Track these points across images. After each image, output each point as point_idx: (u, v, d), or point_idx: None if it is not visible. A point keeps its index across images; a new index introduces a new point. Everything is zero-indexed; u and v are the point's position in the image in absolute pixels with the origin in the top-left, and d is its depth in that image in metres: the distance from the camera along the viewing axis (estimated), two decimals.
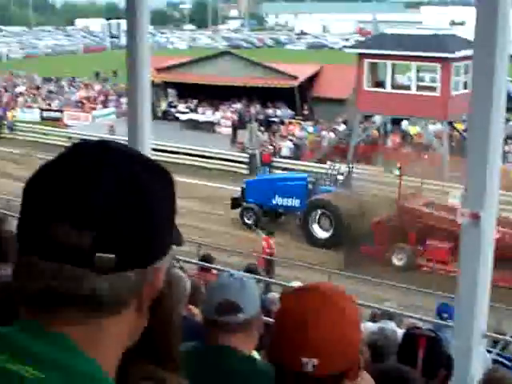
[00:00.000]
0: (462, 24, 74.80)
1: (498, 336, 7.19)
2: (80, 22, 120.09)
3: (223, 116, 38.92)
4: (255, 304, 2.49)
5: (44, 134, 38.66)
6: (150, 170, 1.01)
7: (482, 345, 4.36)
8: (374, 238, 21.93)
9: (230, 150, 33.83)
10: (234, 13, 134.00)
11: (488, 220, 3.89)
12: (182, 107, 41.07)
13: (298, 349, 1.49)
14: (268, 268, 18.81)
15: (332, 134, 33.55)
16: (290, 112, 38.28)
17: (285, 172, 29.27)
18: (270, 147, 32.97)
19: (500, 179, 3.97)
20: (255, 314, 2.47)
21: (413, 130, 33.28)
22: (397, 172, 24.07)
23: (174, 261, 5.81)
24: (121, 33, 75.94)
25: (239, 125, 35.82)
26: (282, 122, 37.05)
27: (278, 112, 38.50)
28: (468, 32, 14.51)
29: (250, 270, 10.11)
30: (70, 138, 35.30)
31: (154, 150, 8.19)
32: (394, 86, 30.72)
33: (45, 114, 43.16)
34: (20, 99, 45.63)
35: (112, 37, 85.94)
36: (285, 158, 32.13)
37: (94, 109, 43.66)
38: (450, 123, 30.32)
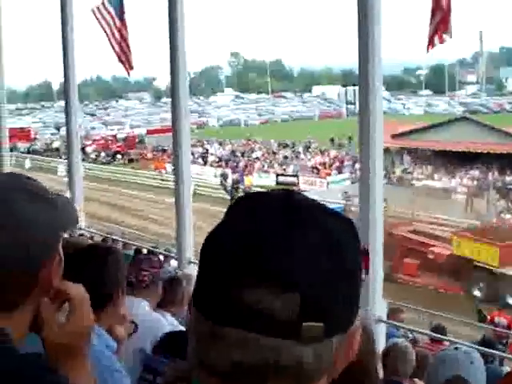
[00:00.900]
0: None
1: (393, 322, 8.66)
2: (317, 89, 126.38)
3: (460, 183, 40.25)
4: (483, 380, 2.53)
5: None
6: (340, 224, 0.97)
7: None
8: None
9: (465, 217, 34.55)
10: (471, 78, 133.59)
11: None
12: (417, 173, 42.97)
13: None
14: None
15: None
16: None
17: None
18: (508, 216, 33.55)
19: None
20: None
21: None
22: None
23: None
24: (357, 99, 79.19)
25: (476, 192, 36.91)
26: None
27: None
28: None
29: (486, 342, 10.62)
30: None
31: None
32: None
33: (280, 178, 46.92)
34: (256, 164, 50.16)
35: (348, 103, 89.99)
36: None
37: (329, 174, 46.58)
38: None
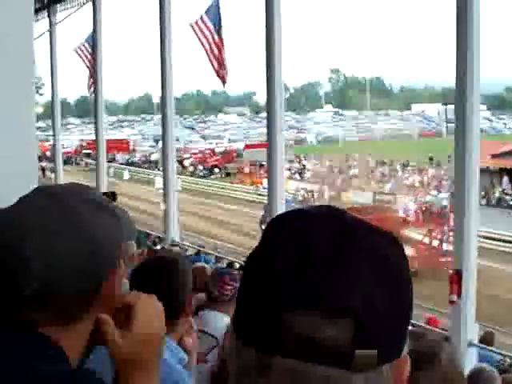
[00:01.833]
0: None
1: None
2: (416, 107, 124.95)
3: None
4: None
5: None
6: (391, 244, 0.94)
7: None
8: None
9: None
10: None
11: None
12: None
13: None
14: None
15: None
16: None
17: None
18: None
19: None
20: None
21: None
22: None
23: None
24: None
25: None
26: None
27: None
28: None
29: None
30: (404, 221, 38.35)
31: (480, 236, 8.69)
32: None
33: (377, 196, 46.64)
34: (354, 181, 50.00)
35: (448, 121, 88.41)
36: None
37: (428, 193, 45.95)
38: None
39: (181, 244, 15.83)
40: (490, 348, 9.32)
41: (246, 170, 58.94)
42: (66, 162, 54.92)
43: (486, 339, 10.36)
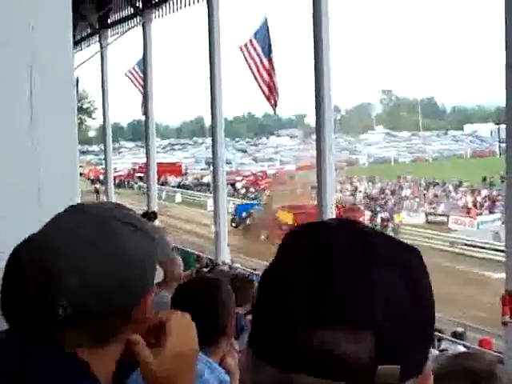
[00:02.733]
0: None
1: None
2: (468, 127, 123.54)
3: None
4: None
5: (428, 237, 41.45)
6: (412, 257, 0.91)
7: None
8: None
9: None
10: None
11: None
12: None
13: None
14: None
15: None
16: None
17: None
18: None
19: None
20: None
21: None
22: None
23: None
24: None
25: None
26: None
27: None
28: None
29: None
30: (452, 243, 37.81)
31: None
32: None
33: (430, 217, 46.16)
34: (406, 202, 49.58)
35: (501, 141, 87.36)
36: None
37: (480, 214, 45.32)
38: None
39: (231, 265, 15.86)
40: None
41: (299, 191, 58.87)
42: (119, 185, 55.84)
43: None
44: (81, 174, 46.21)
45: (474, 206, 47.27)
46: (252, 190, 62.97)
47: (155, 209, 18.75)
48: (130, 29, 20.54)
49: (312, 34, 12.24)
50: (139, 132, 64.67)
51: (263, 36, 13.74)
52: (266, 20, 13.91)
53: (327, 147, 12.60)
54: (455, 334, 12.19)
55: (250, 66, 13.81)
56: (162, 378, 1.42)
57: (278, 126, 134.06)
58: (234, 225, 43.40)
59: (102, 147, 25.03)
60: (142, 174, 51.35)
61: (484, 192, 51.48)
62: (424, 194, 52.60)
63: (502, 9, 8.36)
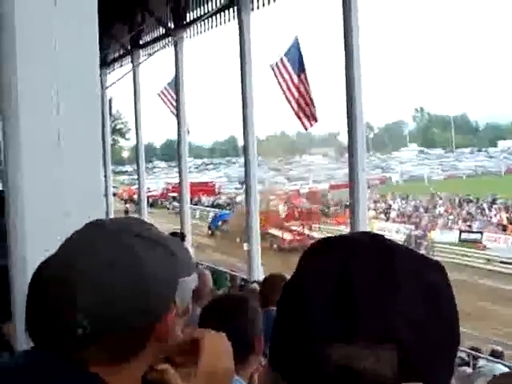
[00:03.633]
0: None
1: None
2: (503, 143, 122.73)
3: None
4: None
5: (462, 255, 41.16)
6: (436, 272, 0.88)
7: None
8: None
9: None
10: None
11: None
12: None
13: None
14: None
15: None
16: None
17: None
18: None
19: None
20: None
21: None
22: None
23: None
24: None
25: None
26: None
27: None
28: None
29: None
30: (488, 260, 37.44)
31: None
32: None
33: (463, 235, 45.87)
34: (440, 220, 49.30)
35: None
36: None
37: None
38: None
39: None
40: None
41: (332, 210, 58.80)
42: (152, 205, 56.30)
43: None
44: (114, 194, 47.02)
45: (510, 222, 46.88)
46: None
47: (188, 228, 18.83)
48: (161, 48, 20.75)
49: (343, 53, 12.24)
50: (172, 152, 65.23)
51: (294, 54, 13.79)
52: (297, 38, 13.97)
53: (359, 165, 12.55)
54: (493, 353, 11.98)
55: (280, 85, 13.85)
56: None
57: (311, 145, 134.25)
58: (210, 232, 49.71)
59: (135, 167, 25.25)
60: (175, 194, 51.99)
61: None
62: (458, 212, 52.28)
63: None
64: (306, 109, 13.62)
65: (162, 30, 21.03)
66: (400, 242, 0.93)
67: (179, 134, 18.90)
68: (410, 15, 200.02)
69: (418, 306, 0.82)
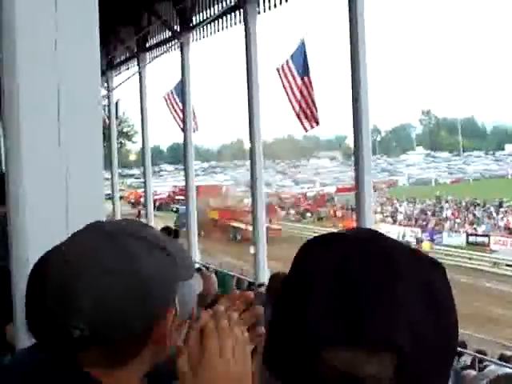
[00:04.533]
0: None
1: None
2: (510, 147, 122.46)
3: None
4: None
5: (468, 258, 41.09)
6: (436, 272, 0.86)
7: None
8: None
9: None
10: None
11: None
12: None
13: None
14: None
15: None
16: None
17: None
18: None
19: None
20: None
21: None
22: None
23: None
24: None
25: None
26: None
27: None
28: None
29: None
30: (494, 263, 37.35)
31: None
32: None
33: (470, 238, 45.79)
34: (446, 223, 49.21)
35: None
36: None
37: None
38: None
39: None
40: None
41: (339, 213, 58.81)
42: (159, 208, 56.34)
43: None
44: (121, 198, 47.22)
45: None
46: (292, 211, 62.96)
47: (195, 230, 18.82)
48: (167, 51, 20.78)
49: (349, 56, 12.24)
50: (179, 155, 65.30)
51: (299, 57, 13.78)
52: (303, 41, 13.96)
53: (365, 168, 12.52)
54: (502, 357, 11.92)
55: (284, 87, 13.85)
56: None
57: (318, 148, 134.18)
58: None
59: (142, 170, 25.29)
60: (182, 197, 52.36)
61: None
62: (465, 215, 52.20)
63: None
64: (307, 111, 13.61)
65: (168, 33, 21.05)
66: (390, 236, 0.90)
67: (185, 137, 18.90)
68: (418, 18, 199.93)
69: (418, 312, 0.80)
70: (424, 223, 50.38)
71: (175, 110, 19.74)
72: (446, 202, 58.33)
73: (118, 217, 24.52)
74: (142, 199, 52.05)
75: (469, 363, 10.84)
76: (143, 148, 23.66)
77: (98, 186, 2.41)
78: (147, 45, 22.94)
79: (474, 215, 51.80)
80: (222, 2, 17.44)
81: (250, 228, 47.73)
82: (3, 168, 2.44)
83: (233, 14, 17.00)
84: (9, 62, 2.34)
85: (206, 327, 1.21)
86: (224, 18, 17.48)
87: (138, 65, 23.06)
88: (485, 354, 11.72)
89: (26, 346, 1.49)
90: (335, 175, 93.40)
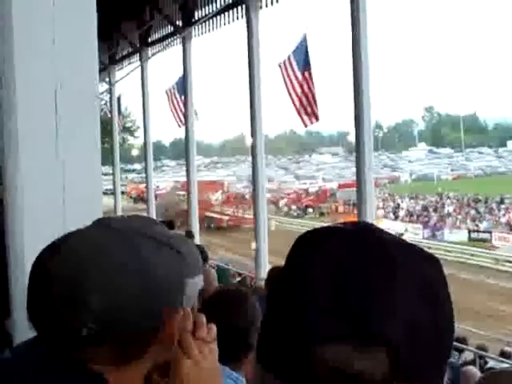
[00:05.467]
0: None
1: None
2: None
3: None
4: None
5: (471, 254, 41.10)
6: (431, 266, 0.84)
7: None
8: None
9: None
10: None
11: None
12: None
13: None
14: None
15: None
16: None
17: None
18: None
19: None
20: None
21: None
22: None
23: None
24: None
25: None
26: None
27: None
28: None
29: None
30: (496, 259, 37.33)
31: None
32: None
33: (472, 234, 45.81)
34: (448, 220, 49.22)
35: None
36: None
37: None
38: None
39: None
40: None
41: (341, 209, 58.80)
42: None
43: None
44: (123, 193, 47.28)
45: None
46: (294, 207, 62.95)
47: (196, 226, 18.87)
48: (168, 44, 20.78)
49: (351, 51, 12.22)
50: (181, 150, 65.41)
51: (300, 52, 13.76)
52: (305, 37, 13.93)
53: (367, 164, 12.51)
54: (503, 354, 11.91)
55: (285, 83, 13.84)
56: None
57: (320, 144, 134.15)
58: None
59: (144, 165, 25.30)
60: (183, 192, 52.47)
61: None
62: (467, 211, 52.22)
63: None
64: (307, 106, 13.60)
65: (170, 28, 21.05)
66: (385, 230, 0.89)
67: (187, 132, 18.91)
68: (420, 14, 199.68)
69: (413, 307, 0.78)
70: (426, 219, 50.38)
71: (174, 106, 19.73)
72: (448, 198, 58.35)
73: (119, 212, 24.51)
74: (144, 194, 52.22)
75: (469, 359, 10.83)
76: (145, 143, 23.68)
77: (95, 181, 2.41)
78: (149, 39, 22.94)
79: (477, 211, 51.81)
80: None
81: (224, 217, 51.76)
82: None
83: (235, 8, 16.98)
84: (6, 57, 2.33)
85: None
86: (226, 12, 17.46)
87: (141, 59, 23.06)
88: (485, 350, 11.72)
89: (23, 339, 1.48)
90: (337, 171, 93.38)
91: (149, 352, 1.38)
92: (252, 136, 15.64)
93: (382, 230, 0.88)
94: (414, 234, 45.51)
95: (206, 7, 18.57)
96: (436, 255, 0.88)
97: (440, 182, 79.74)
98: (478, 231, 46.49)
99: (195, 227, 18.91)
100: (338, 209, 60.17)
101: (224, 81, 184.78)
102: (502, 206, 52.85)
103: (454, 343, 10.70)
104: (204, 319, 1.41)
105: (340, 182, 77.11)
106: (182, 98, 19.30)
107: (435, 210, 53.41)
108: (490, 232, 45.25)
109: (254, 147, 15.67)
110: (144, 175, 26.72)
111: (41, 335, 1.41)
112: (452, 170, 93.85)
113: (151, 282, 1.35)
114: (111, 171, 27.43)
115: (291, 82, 13.72)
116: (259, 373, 0.84)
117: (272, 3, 15.56)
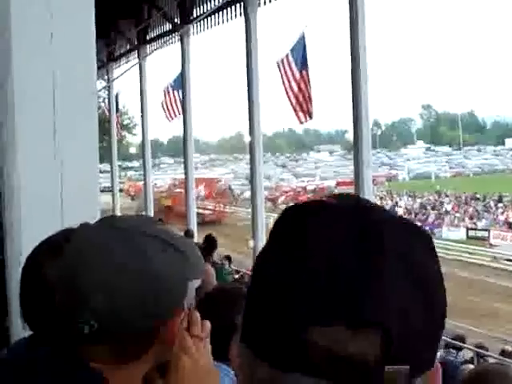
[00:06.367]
0: None
1: None
2: (510, 141, 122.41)
3: None
4: None
5: (469, 252, 41.10)
6: (423, 245, 0.82)
7: None
8: None
9: None
10: None
11: None
12: None
13: None
14: None
15: None
16: None
17: None
18: None
19: None
20: None
21: None
22: None
23: None
24: None
25: None
26: None
27: None
28: None
29: None
30: (494, 258, 37.39)
31: None
32: None
33: (470, 232, 45.81)
34: (446, 218, 49.24)
35: None
36: None
37: None
38: None
39: None
40: None
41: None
42: None
43: None
44: (121, 190, 47.25)
45: None
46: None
47: (194, 223, 18.87)
48: (166, 42, 20.78)
49: (350, 49, 12.22)
50: (179, 148, 65.44)
51: (298, 50, 13.77)
52: (303, 34, 13.94)
53: (365, 162, 12.52)
54: (503, 353, 11.87)
55: (282, 80, 13.85)
56: None
57: (318, 142, 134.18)
58: None
59: (142, 163, 25.31)
60: (181, 190, 52.68)
61: None
62: (464, 210, 52.24)
63: None
64: (303, 104, 13.60)
65: (168, 26, 21.04)
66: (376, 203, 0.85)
67: (185, 130, 18.91)
68: (418, 12, 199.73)
69: (404, 289, 0.76)
70: (424, 217, 50.37)
71: (166, 101, 19.73)
72: (446, 196, 58.35)
73: (118, 209, 24.51)
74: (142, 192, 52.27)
75: (468, 358, 10.83)
76: (143, 140, 23.70)
77: (92, 178, 2.41)
78: (147, 37, 22.93)
79: (475, 209, 51.83)
80: None
81: (206, 212, 50.44)
82: None
83: (233, 6, 16.98)
84: (4, 55, 2.33)
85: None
86: (224, 10, 17.46)
87: (139, 57, 23.05)
88: (484, 349, 11.73)
89: (20, 337, 1.48)
90: (335, 169, 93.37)
91: (149, 352, 1.39)
92: (250, 134, 15.64)
93: (373, 203, 0.84)
94: None
95: (204, 5, 18.57)
96: None
97: (438, 180, 79.73)
98: (476, 229, 46.49)
99: (193, 224, 18.91)
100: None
101: (222, 79, 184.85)
102: (500, 205, 52.86)
103: (453, 342, 10.75)
104: (198, 316, 1.41)
105: (338, 179, 77.12)
106: (175, 93, 19.31)
107: (433, 208, 53.41)
108: (488, 230, 45.23)
109: (252, 145, 15.68)
110: (142, 172, 26.74)
111: (39, 333, 1.41)
112: (450, 168, 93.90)
113: (154, 282, 1.35)
114: (109, 168, 27.40)
115: (288, 79, 13.72)
116: (245, 357, 0.81)
117: (270, 1, 15.56)
